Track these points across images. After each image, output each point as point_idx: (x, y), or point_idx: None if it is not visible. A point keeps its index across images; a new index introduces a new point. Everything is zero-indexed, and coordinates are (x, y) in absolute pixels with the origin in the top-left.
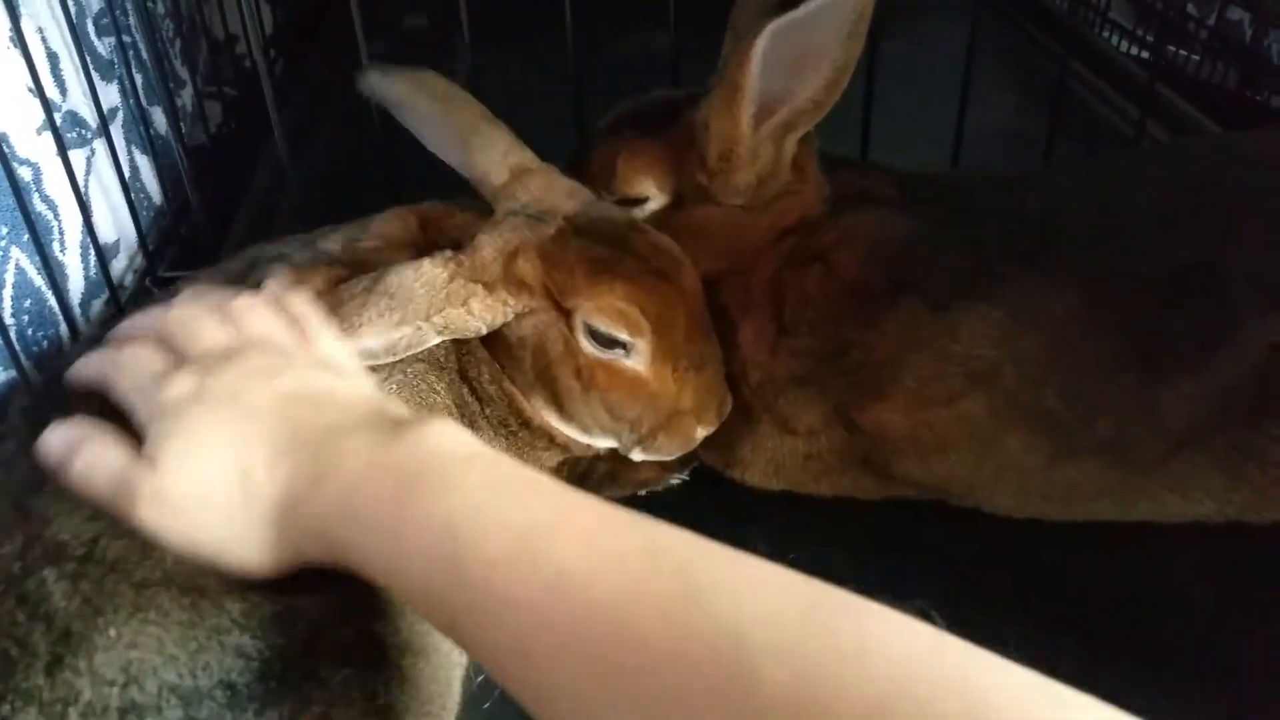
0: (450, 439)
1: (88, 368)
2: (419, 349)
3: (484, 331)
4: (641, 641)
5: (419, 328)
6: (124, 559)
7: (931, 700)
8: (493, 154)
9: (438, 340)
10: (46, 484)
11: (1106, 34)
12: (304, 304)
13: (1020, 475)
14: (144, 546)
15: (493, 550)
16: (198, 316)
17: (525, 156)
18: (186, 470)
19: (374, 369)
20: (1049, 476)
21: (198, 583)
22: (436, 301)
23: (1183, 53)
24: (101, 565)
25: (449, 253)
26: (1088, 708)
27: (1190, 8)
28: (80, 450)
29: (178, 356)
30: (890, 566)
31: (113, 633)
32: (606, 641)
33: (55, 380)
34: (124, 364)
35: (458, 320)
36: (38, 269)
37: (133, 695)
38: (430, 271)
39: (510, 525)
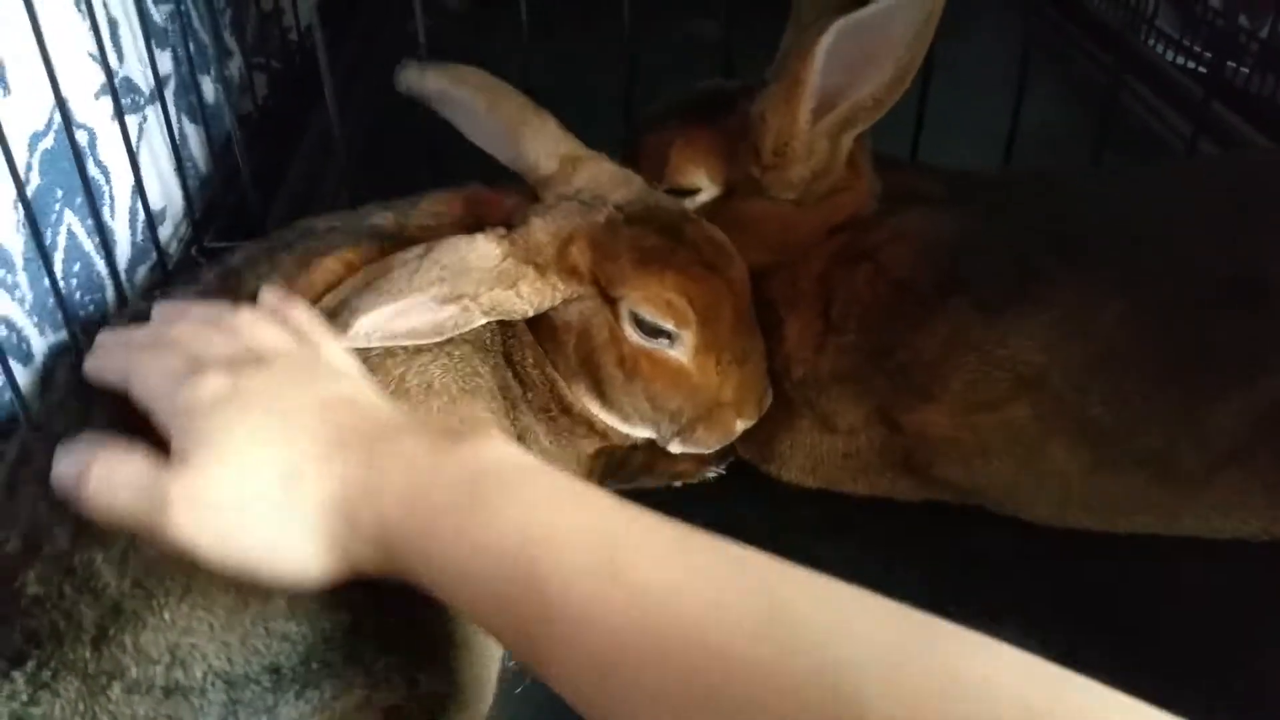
0: (510, 450)
1: (103, 369)
2: (464, 329)
3: (530, 314)
4: (729, 659)
5: (466, 307)
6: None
7: None
8: (543, 143)
9: (483, 321)
10: None
11: (1152, 42)
12: (305, 315)
13: (1062, 484)
14: None
15: (572, 563)
16: (202, 331)
17: (574, 145)
18: (225, 471)
19: (420, 349)
20: (1090, 486)
21: None
22: (487, 279)
23: (1231, 65)
24: (151, 547)
25: (503, 230)
26: None
27: (1242, 19)
28: (92, 468)
29: (196, 361)
30: (924, 570)
31: (166, 616)
32: (692, 658)
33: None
34: (144, 364)
35: (506, 301)
36: (88, 233)
37: (177, 676)
38: (485, 247)
39: (589, 538)
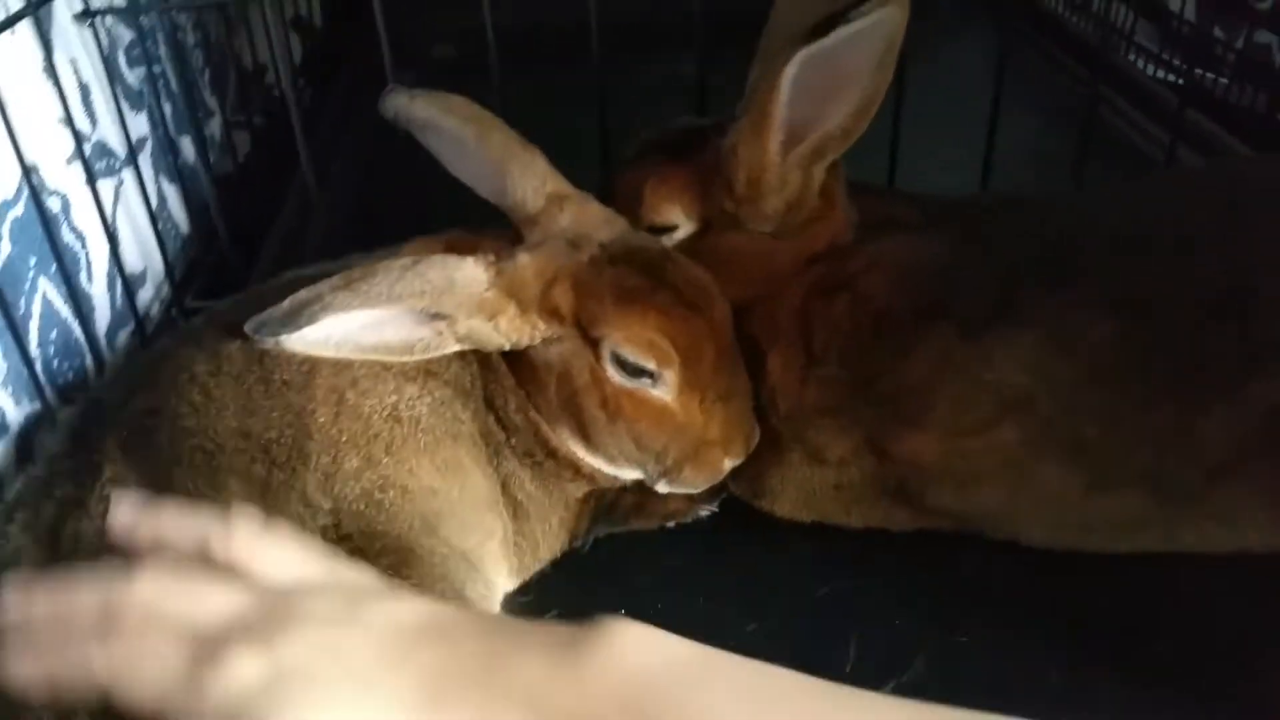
0: (657, 645)
1: (30, 676)
2: (435, 354)
3: (505, 348)
4: None
5: (440, 331)
6: None
7: None
8: (530, 179)
9: (456, 348)
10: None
11: (1132, 57)
12: (288, 533)
13: (1057, 506)
14: None
15: None
16: (180, 585)
17: (561, 183)
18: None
19: (407, 380)
20: (1087, 508)
21: None
22: (468, 304)
23: (1210, 76)
24: None
25: (492, 258)
26: None
27: (1217, 31)
28: None
29: (194, 639)
30: (928, 599)
31: None
32: None
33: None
34: (122, 662)
35: (482, 332)
36: (65, 299)
37: None
38: (472, 271)
39: None
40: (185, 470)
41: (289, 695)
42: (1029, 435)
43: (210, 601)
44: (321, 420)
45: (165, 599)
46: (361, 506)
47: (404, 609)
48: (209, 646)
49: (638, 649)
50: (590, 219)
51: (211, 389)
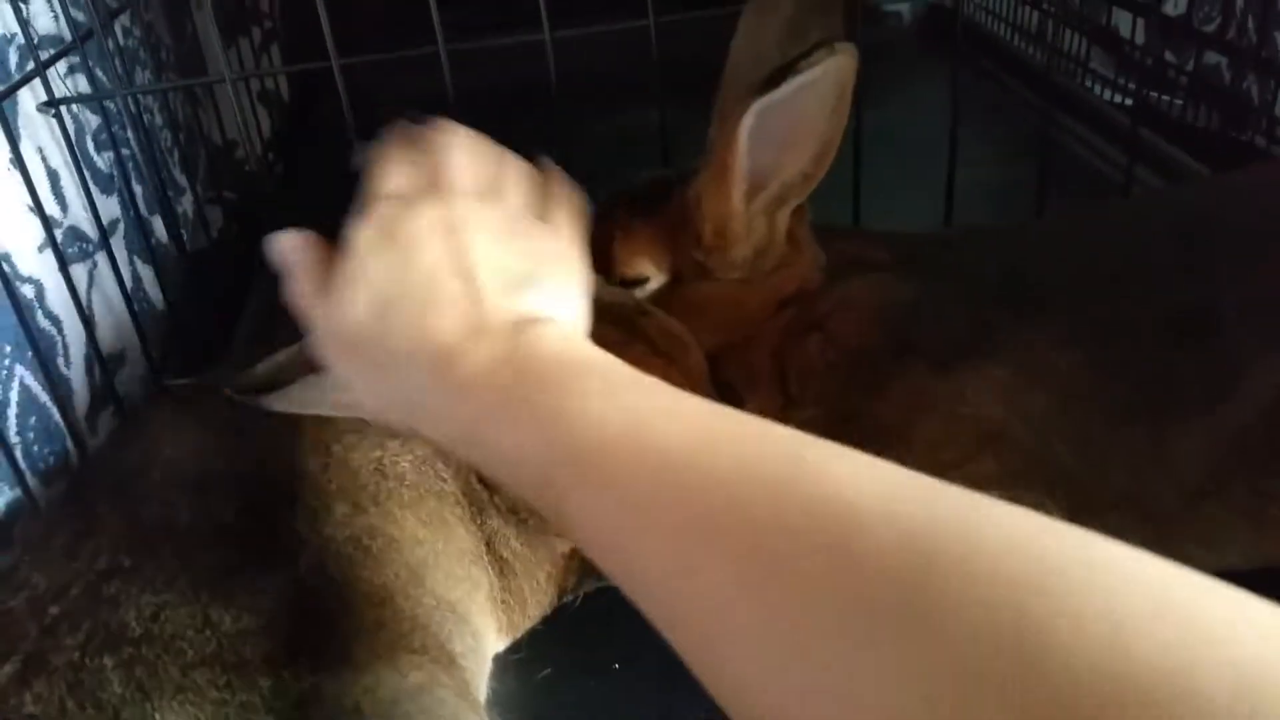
0: (568, 343)
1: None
2: None
3: None
4: (747, 516)
5: None
6: (180, 634)
7: (1050, 569)
8: None
9: None
10: (124, 569)
11: (1089, 84)
12: (567, 189)
13: None
14: (204, 616)
15: (600, 433)
16: (459, 146)
17: None
18: (349, 315)
19: (383, 450)
20: None
21: (241, 656)
22: None
23: (1165, 98)
24: (156, 645)
25: None
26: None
27: (1168, 54)
28: (291, 268)
29: (429, 177)
30: None
31: (157, 717)
32: (711, 517)
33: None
34: (384, 166)
35: None
36: (42, 385)
37: None
38: None
39: (620, 411)
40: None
41: (373, 253)
42: (1008, 466)
43: (454, 167)
44: (311, 469)
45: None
46: (349, 550)
47: (476, 242)
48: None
49: (559, 342)
50: None
51: (198, 441)
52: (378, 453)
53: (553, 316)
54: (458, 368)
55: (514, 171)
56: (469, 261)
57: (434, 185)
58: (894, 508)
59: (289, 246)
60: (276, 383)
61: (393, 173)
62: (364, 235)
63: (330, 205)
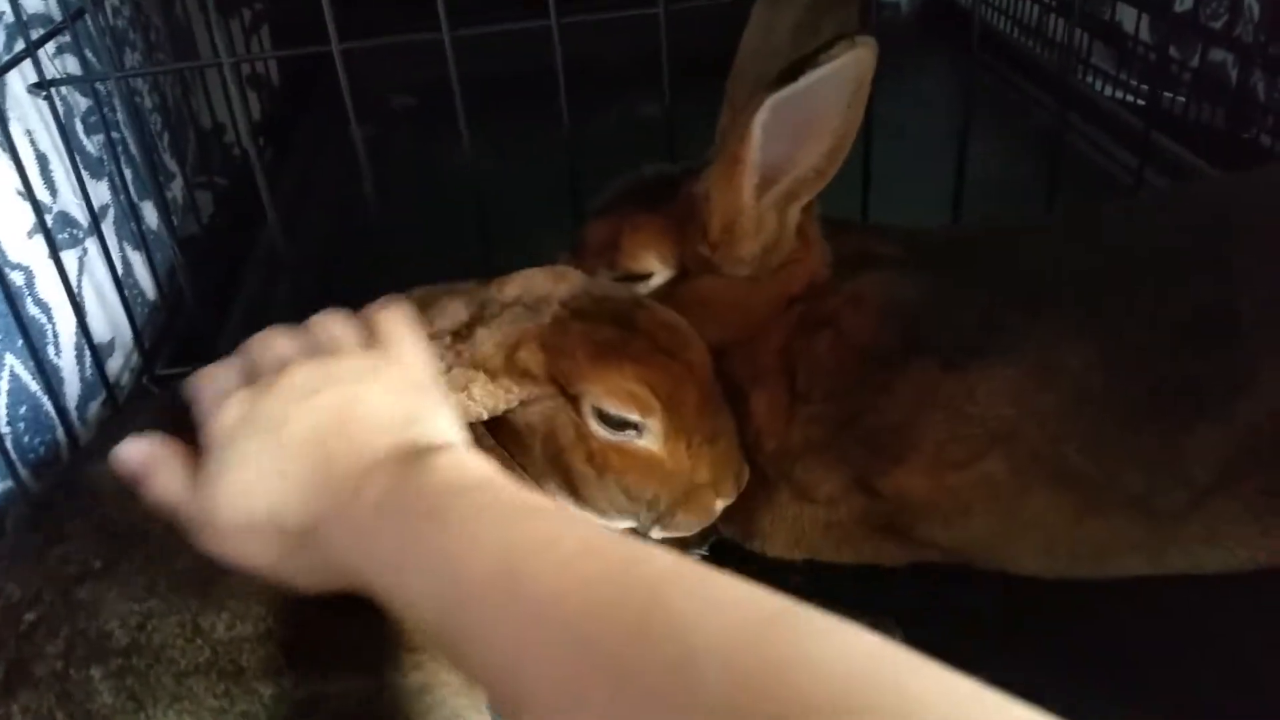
0: (458, 469)
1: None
2: None
3: (485, 416)
4: (608, 659)
5: None
6: (170, 644)
7: (864, 707)
8: (452, 312)
9: None
10: (94, 571)
11: (1090, 79)
12: (390, 315)
13: (1046, 535)
14: (194, 625)
15: (480, 575)
16: (274, 333)
17: (478, 285)
18: (229, 503)
19: None
20: (1076, 535)
21: (238, 664)
22: None
23: (1169, 95)
24: (146, 654)
25: (448, 339)
26: (1023, 717)
27: (1173, 50)
28: (149, 472)
29: (250, 375)
30: (922, 633)
31: None
32: (580, 660)
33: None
34: (204, 383)
35: (458, 405)
36: (32, 374)
37: None
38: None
39: (498, 551)
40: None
41: (240, 441)
42: (1017, 466)
43: (267, 356)
44: None
45: (259, 343)
46: None
47: (345, 394)
48: (236, 387)
49: (449, 471)
50: (541, 281)
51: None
52: None
53: (431, 442)
54: (348, 520)
55: (332, 327)
56: (339, 416)
57: (266, 371)
58: (731, 654)
59: (141, 454)
60: None
61: (221, 376)
62: (224, 427)
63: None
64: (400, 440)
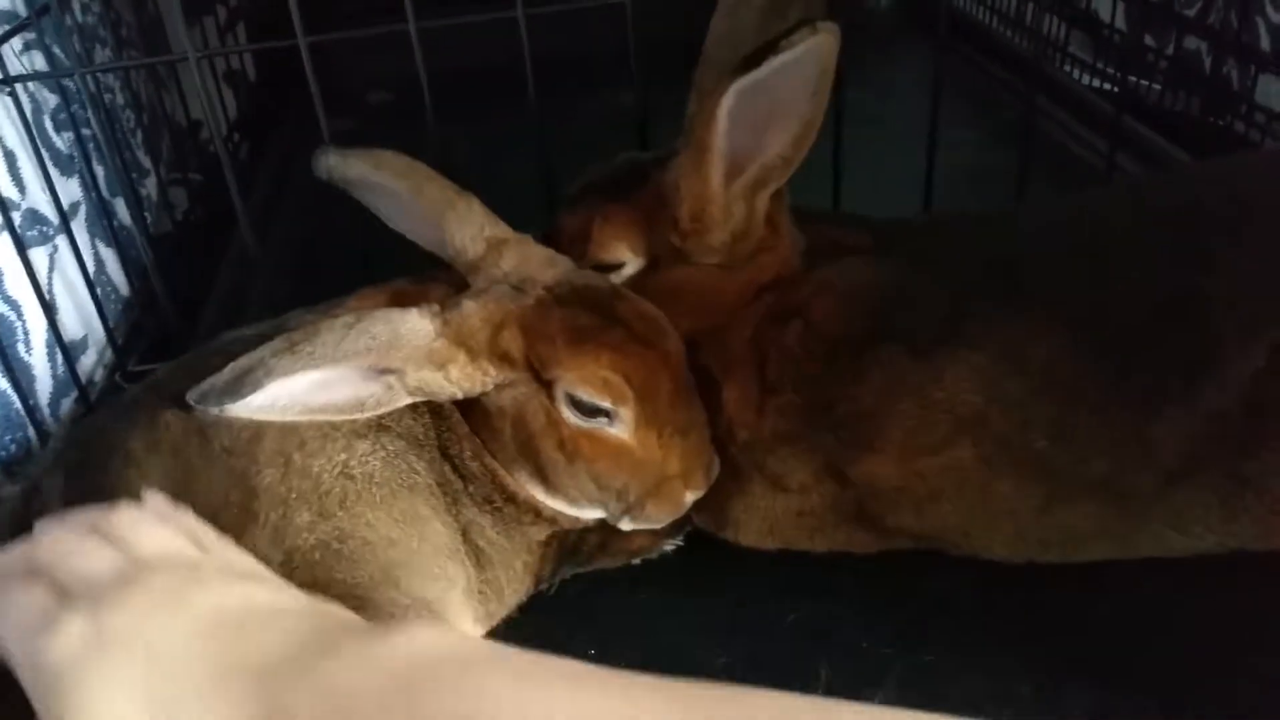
0: (447, 639)
1: None
2: (386, 409)
3: (457, 397)
4: None
5: (390, 385)
6: None
7: None
8: (467, 228)
9: (407, 401)
10: None
11: (1068, 68)
12: (193, 519)
13: (1015, 521)
14: None
15: None
16: (73, 542)
17: (500, 228)
18: None
19: (358, 436)
20: (1044, 521)
21: None
22: (416, 356)
23: (1145, 83)
24: None
25: (437, 307)
26: None
27: (1148, 39)
28: None
29: (60, 592)
30: (895, 619)
31: None
32: None
33: None
34: (4, 602)
35: (433, 383)
36: (2, 372)
37: None
38: (417, 322)
39: None
40: None
41: (92, 662)
42: (985, 452)
43: (90, 559)
44: (268, 481)
45: (60, 555)
46: (317, 556)
47: (233, 593)
48: (61, 602)
49: (426, 641)
50: (532, 261)
51: (147, 466)
52: (343, 455)
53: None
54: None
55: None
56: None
57: (75, 586)
58: None
59: None
60: (239, 389)
61: (18, 605)
62: (69, 638)
63: None
64: (320, 622)
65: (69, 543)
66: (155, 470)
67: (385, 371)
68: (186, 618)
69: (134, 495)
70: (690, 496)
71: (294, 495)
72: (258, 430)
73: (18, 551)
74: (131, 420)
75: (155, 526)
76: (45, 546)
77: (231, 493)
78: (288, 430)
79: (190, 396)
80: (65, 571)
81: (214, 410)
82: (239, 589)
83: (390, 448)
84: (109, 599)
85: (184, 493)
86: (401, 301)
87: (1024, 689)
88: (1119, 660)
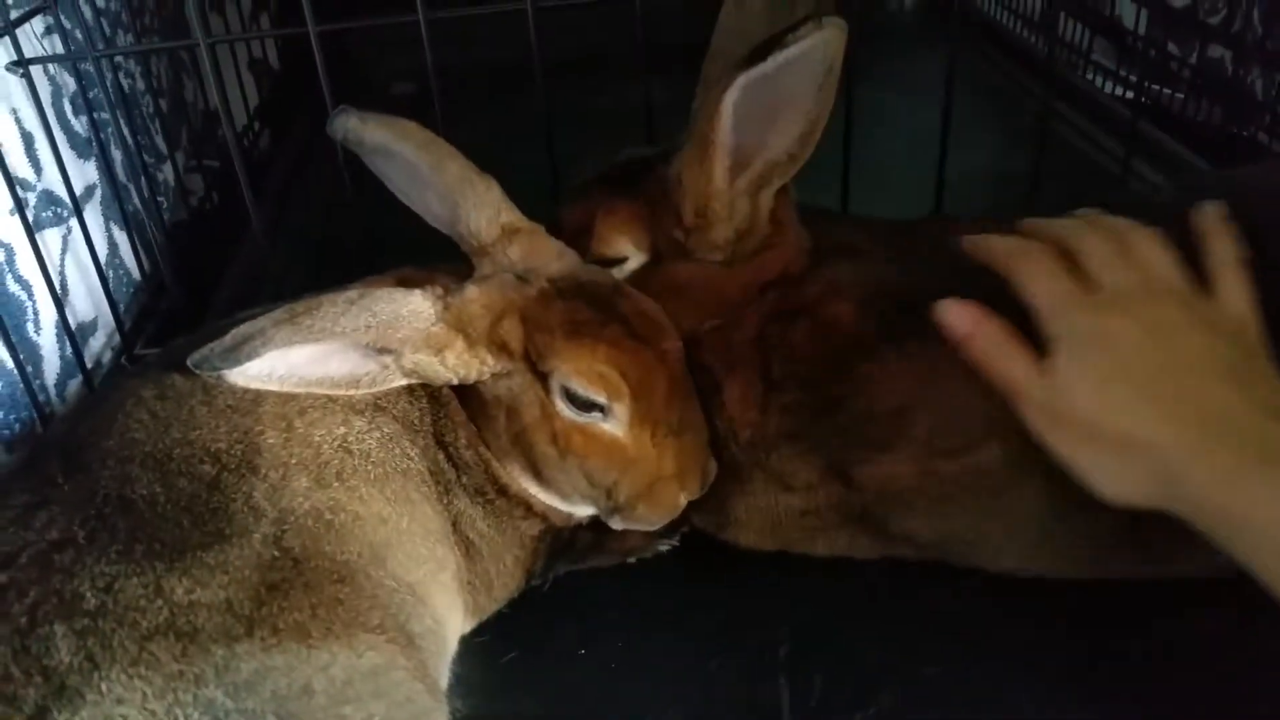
0: None
1: (991, 250)
2: (380, 388)
3: (453, 383)
4: None
5: (386, 365)
6: (134, 605)
7: None
8: (484, 210)
9: (402, 382)
10: (76, 540)
11: (1090, 76)
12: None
13: (1032, 528)
14: (157, 586)
15: None
16: (1103, 251)
17: (515, 215)
18: (1085, 396)
19: (355, 412)
20: (1064, 526)
21: (195, 624)
22: (415, 339)
23: (1167, 91)
24: (111, 617)
25: (440, 291)
26: None
27: (1171, 46)
28: (982, 335)
29: (1089, 284)
30: (893, 631)
31: (104, 687)
32: None
33: None
34: (1034, 270)
35: (429, 367)
36: (7, 351)
37: None
38: (419, 304)
39: None
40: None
41: (1121, 353)
42: (1011, 455)
43: (1115, 272)
44: (270, 441)
45: (1090, 255)
46: (309, 523)
47: (1218, 346)
48: (1092, 294)
49: None
50: (542, 253)
51: (158, 410)
52: (342, 429)
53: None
54: (1212, 462)
55: (1149, 254)
56: (1215, 356)
57: (1103, 281)
58: None
59: (969, 319)
60: (237, 356)
61: (1049, 271)
62: (1110, 323)
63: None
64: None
65: (1100, 246)
66: (167, 414)
67: (383, 351)
68: (1208, 357)
69: (150, 432)
70: (684, 499)
71: (294, 460)
72: (260, 393)
73: (1057, 228)
74: (142, 378)
75: (1164, 256)
76: (1079, 239)
77: (235, 445)
78: (288, 396)
79: (190, 360)
80: (1093, 269)
81: (212, 375)
82: (1242, 348)
83: (385, 429)
84: (1132, 305)
85: (188, 435)
86: (405, 286)
87: (1026, 706)
88: (1124, 677)
